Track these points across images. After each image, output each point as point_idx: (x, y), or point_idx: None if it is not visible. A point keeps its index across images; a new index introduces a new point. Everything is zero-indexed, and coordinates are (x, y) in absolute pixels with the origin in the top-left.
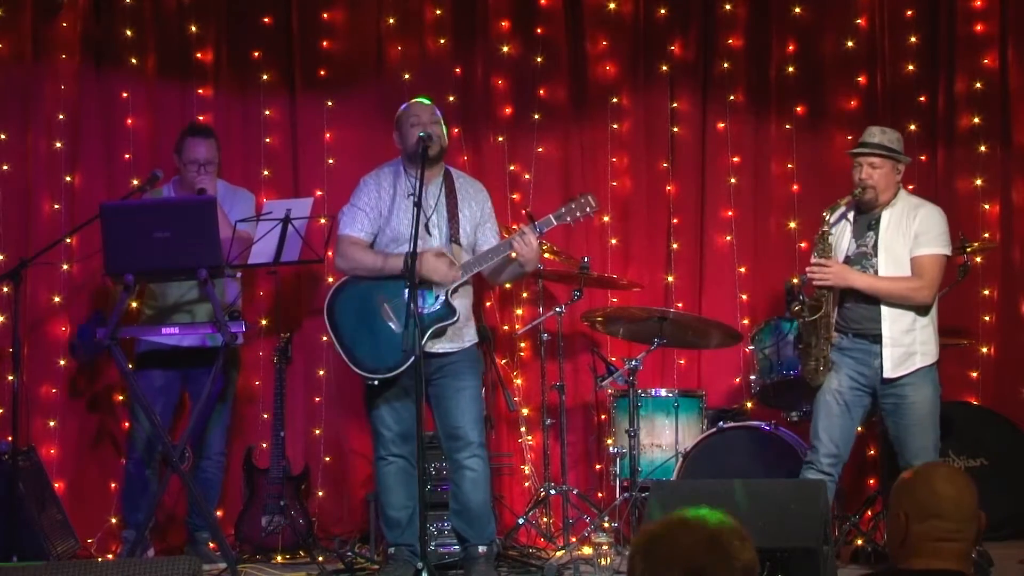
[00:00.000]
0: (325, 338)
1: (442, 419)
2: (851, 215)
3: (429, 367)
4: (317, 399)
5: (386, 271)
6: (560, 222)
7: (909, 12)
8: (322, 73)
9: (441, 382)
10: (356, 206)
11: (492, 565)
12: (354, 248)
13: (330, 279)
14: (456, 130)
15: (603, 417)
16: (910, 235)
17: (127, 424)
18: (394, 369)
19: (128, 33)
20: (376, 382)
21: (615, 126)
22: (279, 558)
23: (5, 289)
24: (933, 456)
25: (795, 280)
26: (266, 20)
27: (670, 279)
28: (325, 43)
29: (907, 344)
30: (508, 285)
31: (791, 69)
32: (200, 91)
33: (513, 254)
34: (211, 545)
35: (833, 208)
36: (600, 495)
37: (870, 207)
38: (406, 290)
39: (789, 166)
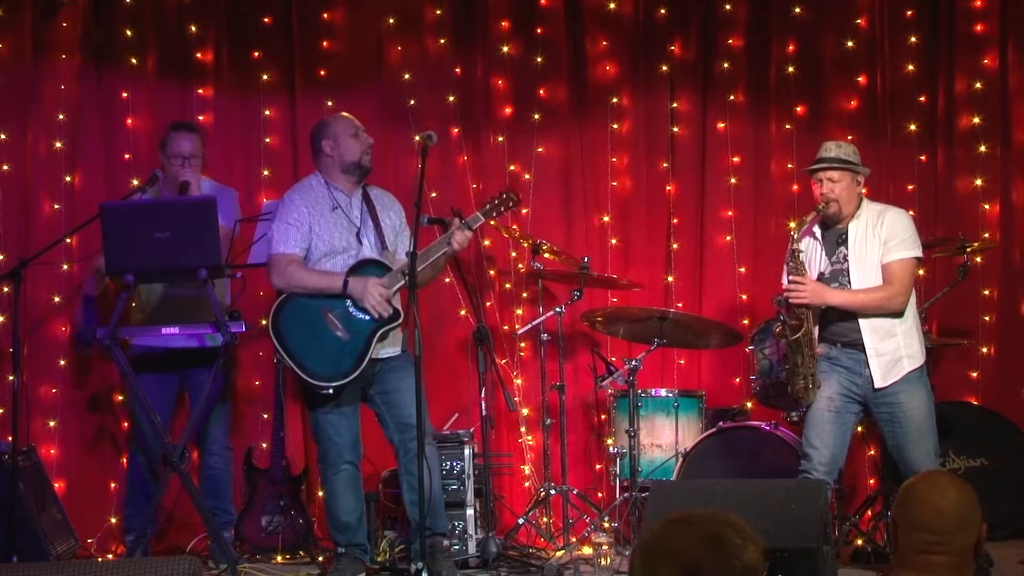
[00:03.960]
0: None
1: (392, 412)
2: (819, 232)
3: (373, 370)
4: None
5: (325, 290)
6: (487, 217)
7: (909, 12)
8: (322, 73)
9: (385, 377)
10: (287, 222)
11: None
12: (293, 266)
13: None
14: (456, 130)
15: (603, 417)
16: (879, 243)
17: (127, 424)
18: (349, 375)
19: (128, 33)
20: (331, 390)
21: (615, 126)
22: (279, 558)
23: (5, 289)
24: (934, 461)
25: (780, 297)
26: (266, 20)
27: (670, 279)
28: (325, 43)
29: (891, 351)
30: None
31: (791, 69)
32: (200, 91)
33: (456, 245)
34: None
35: (799, 225)
36: (600, 495)
37: (836, 221)
38: (347, 301)
39: (789, 166)
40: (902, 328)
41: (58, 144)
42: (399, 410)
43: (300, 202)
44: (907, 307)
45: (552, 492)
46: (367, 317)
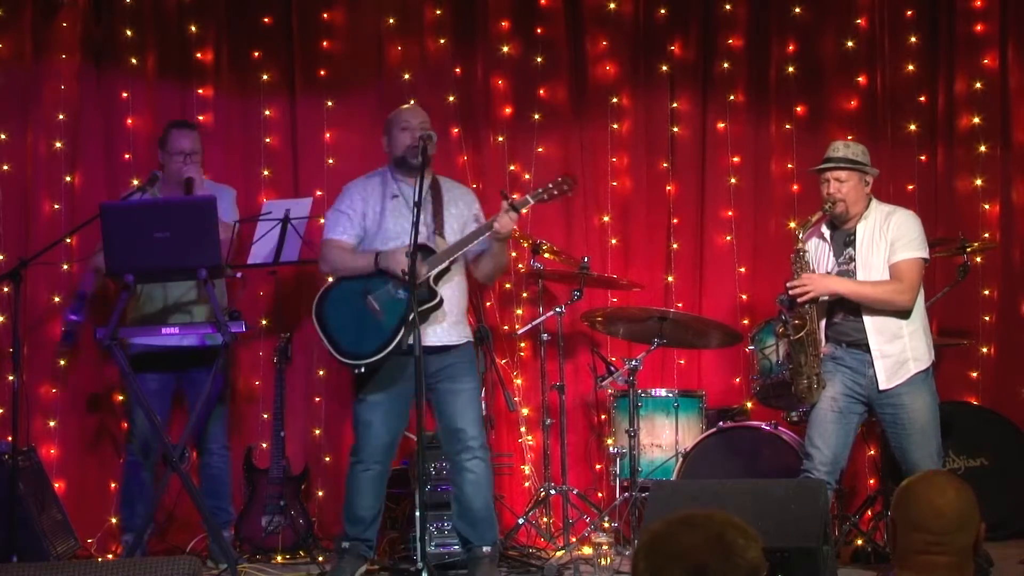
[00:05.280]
0: None
1: (443, 421)
2: (826, 232)
3: (428, 367)
4: (317, 399)
5: (361, 270)
6: (537, 200)
7: (909, 12)
8: (322, 73)
9: (440, 385)
10: (339, 210)
11: (495, 566)
12: (335, 251)
13: (330, 279)
14: (456, 130)
15: (603, 417)
16: (886, 244)
17: (126, 424)
18: (376, 354)
19: (128, 33)
20: (363, 369)
21: (615, 126)
22: (279, 558)
23: (5, 289)
24: (936, 464)
25: (783, 296)
26: (266, 20)
27: (670, 279)
28: (325, 43)
29: (897, 353)
30: (493, 278)
31: (791, 69)
32: (200, 91)
33: (498, 227)
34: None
35: (805, 225)
36: (600, 495)
37: (843, 221)
38: (388, 283)
39: (789, 166)
40: (909, 330)
41: (58, 144)
42: (447, 420)
43: (355, 191)
44: (915, 308)
45: (552, 492)
46: (404, 296)
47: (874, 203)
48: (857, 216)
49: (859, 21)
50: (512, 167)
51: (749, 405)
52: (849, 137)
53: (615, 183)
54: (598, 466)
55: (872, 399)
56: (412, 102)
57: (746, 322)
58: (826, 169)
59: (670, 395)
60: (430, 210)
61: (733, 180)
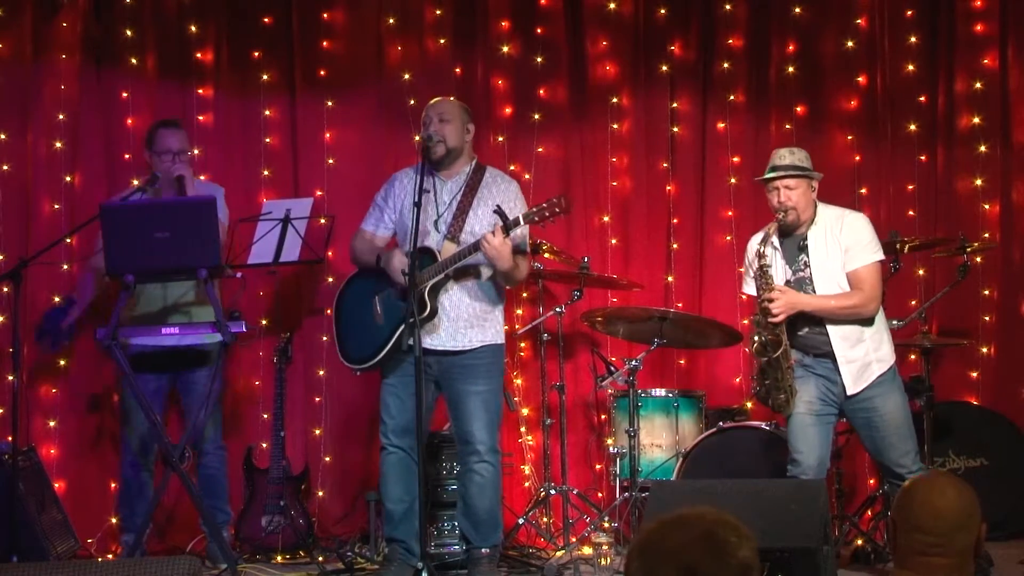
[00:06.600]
0: (325, 338)
1: (454, 422)
2: (776, 240)
3: (440, 365)
4: (317, 399)
5: (369, 265)
6: (528, 222)
7: (909, 12)
8: (322, 73)
9: (454, 385)
10: (375, 201)
11: (495, 567)
12: (357, 240)
13: (330, 279)
14: None
15: (603, 417)
16: (840, 249)
17: (121, 425)
18: (368, 360)
19: (128, 33)
20: (358, 372)
21: (615, 126)
22: (279, 558)
23: (5, 289)
24: (915, 459)
25: (757, 315)
26: (266, 20)
27: (670, 279)
28: (325, 43)
29: (860, 357)
30: (507, 286)
31: (791, 69)
32: (200, 91)
33: (482, 251)
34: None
35: (764, 240)
36: (600, 495)
37: (794, 229)
38: (395, 285)
39: None
40: (869, 332)
41: (58, 144)
42: (458, 424)
43: (394, 181)
44: (876, 314)
45: (552, 492)
46: (403, 305)
47: (821, 207)
48: (808, 222)
49: (859, 21)
50: (512, 167)
51: (749, 405)
52: (849, 138)
53: (615, 183)
54: (598, 466)
55: (843, 406)
56: (451, 99)
57: (746, 322)
58: (774, 178)
59: (670, 395)
60: (453, 211)
61: (733, 180)
